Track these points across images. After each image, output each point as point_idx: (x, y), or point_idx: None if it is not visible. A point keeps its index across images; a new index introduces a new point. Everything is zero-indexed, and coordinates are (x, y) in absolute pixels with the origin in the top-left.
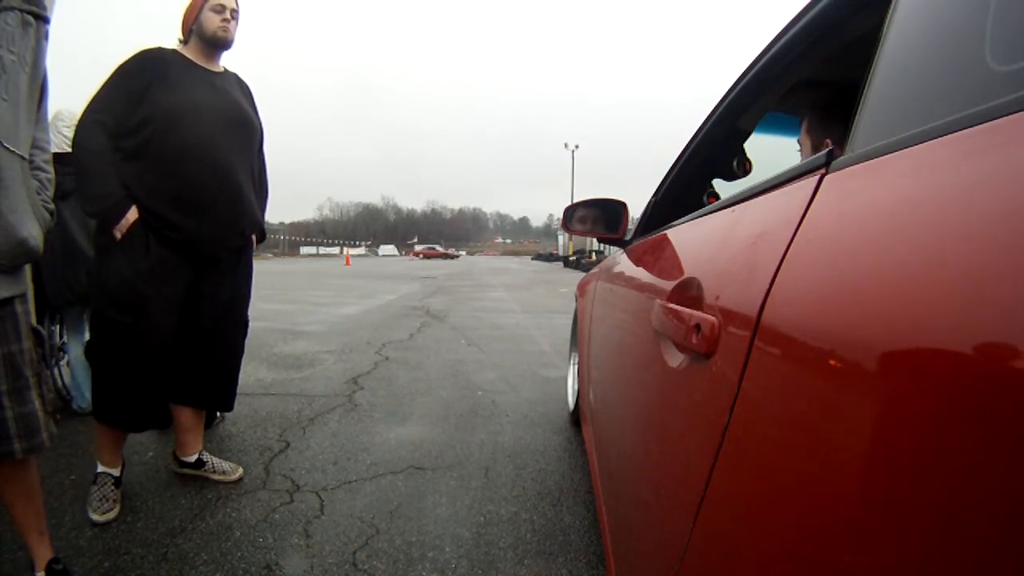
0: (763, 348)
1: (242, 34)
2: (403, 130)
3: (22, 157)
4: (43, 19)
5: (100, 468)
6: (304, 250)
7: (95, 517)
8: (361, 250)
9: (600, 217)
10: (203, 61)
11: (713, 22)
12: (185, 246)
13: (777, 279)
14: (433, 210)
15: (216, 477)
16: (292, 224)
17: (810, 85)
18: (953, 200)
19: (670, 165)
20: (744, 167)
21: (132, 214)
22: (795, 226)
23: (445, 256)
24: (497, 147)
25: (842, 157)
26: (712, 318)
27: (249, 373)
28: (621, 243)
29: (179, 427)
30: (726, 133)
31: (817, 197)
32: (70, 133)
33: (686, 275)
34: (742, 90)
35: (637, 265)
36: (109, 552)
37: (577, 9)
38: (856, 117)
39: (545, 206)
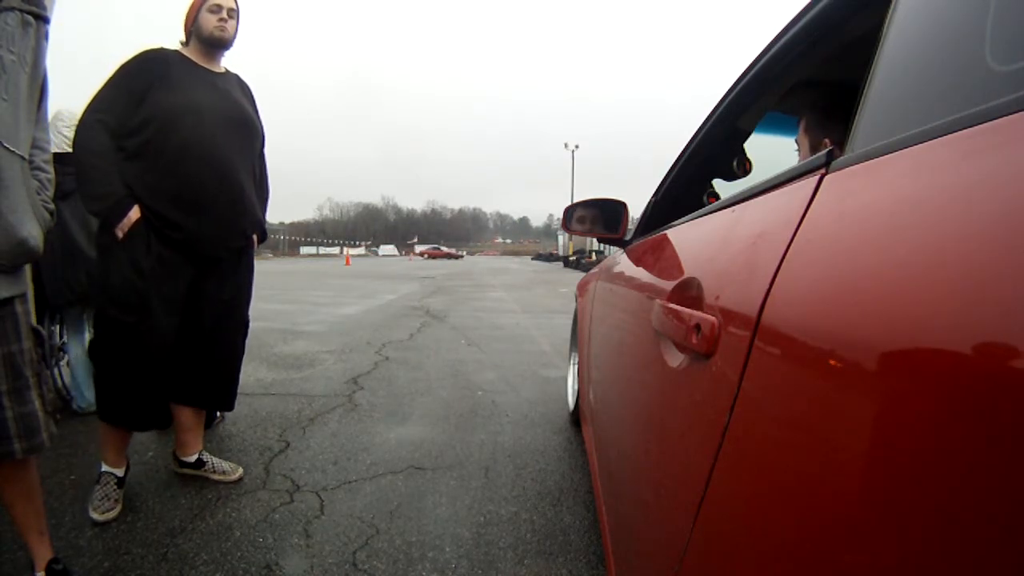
0: (763, 348)
1: (242, 34)
2: (403, 130)
3: (22, 157)
4: (43, 19)
5: (104, 468)
6: (304, 250)
7: (95, 516)
8: (361, 250)
9: (600, 217)
10: (204, 62)
11: (713, 22)
12: (186, 245)
13: (777, 279)
14: (433, 210)
15: (216, 477)
16: (292, 224)
17: (810, 85)
18: (953, 200)
19: (670, 165)
20: (744, 167)
21: (134, 213)
22: (795, 226)
23: (449, 256)
24: (497, 147)
25: (842, 157)
26: (712, 318)
27: (249, 373)
28: (621, 243)
29: (179, 427)
30: (726, 133)
31: (817, 197)
32: (70, 133)
33: (686, 275)
34: (742, 90)
35: (637, 265)
36: (109, 552)
37: (577, 9)
38: (856, 117)
39: (545, 206)
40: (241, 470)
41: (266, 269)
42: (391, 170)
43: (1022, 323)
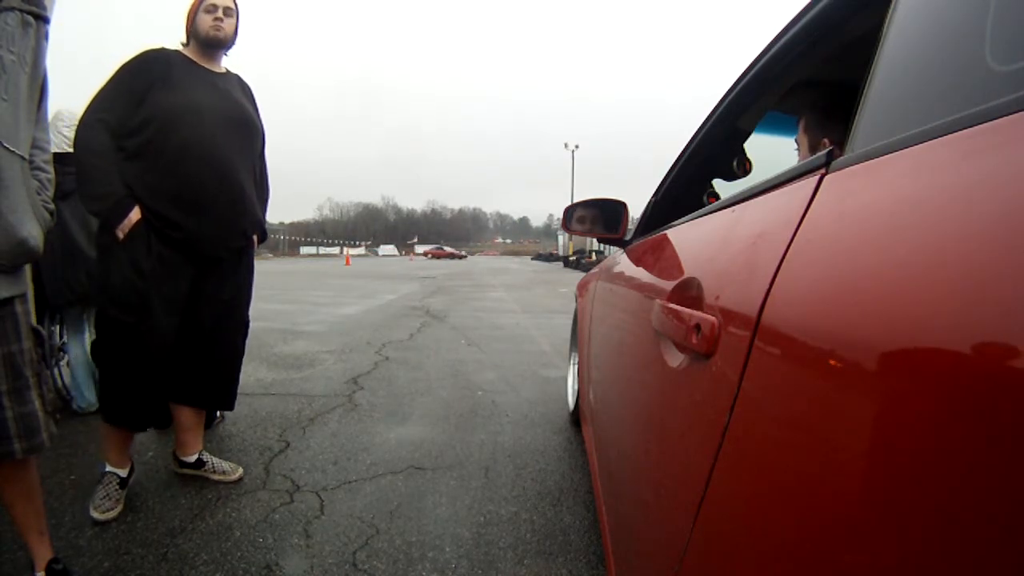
0: (763, 348)
1: (243, 35)
2: (403, 130)
3: (22, 157)
4: (43, 19)
5: (107, 468)
6: (304, 250)
7: (95, 515)
8: (361, 250)
9: (600, 217)
10: (204, 62)
11: (713, 22)
12: (186, 245)
13: (777, 279)
14: (433, 210)
15: (216, 477)
16: (292, 224)
17: (810, 85)
18: (953, 200)
19: (670, 165)
20: (744, 167)
21: (135, 214)
22: (795, 226)
23: (453, 256)
24: (497, 147)
25: (842, 157)
26: (712, 318)
27: (249, 373)
28: (621, 243)
29: (179, 427)
30: (726, 133)
31: (817, 197)
32: (70, 133)
33: (686, 275)
34: (742, 90)
35: (637, 265)
36: (109, 552)
37: (577, 9)
38: (856, 117)
39: (545, 206)
40: (241, 470)
41: (266, 269)
42: (391, 170)
43: (1022, 323)
